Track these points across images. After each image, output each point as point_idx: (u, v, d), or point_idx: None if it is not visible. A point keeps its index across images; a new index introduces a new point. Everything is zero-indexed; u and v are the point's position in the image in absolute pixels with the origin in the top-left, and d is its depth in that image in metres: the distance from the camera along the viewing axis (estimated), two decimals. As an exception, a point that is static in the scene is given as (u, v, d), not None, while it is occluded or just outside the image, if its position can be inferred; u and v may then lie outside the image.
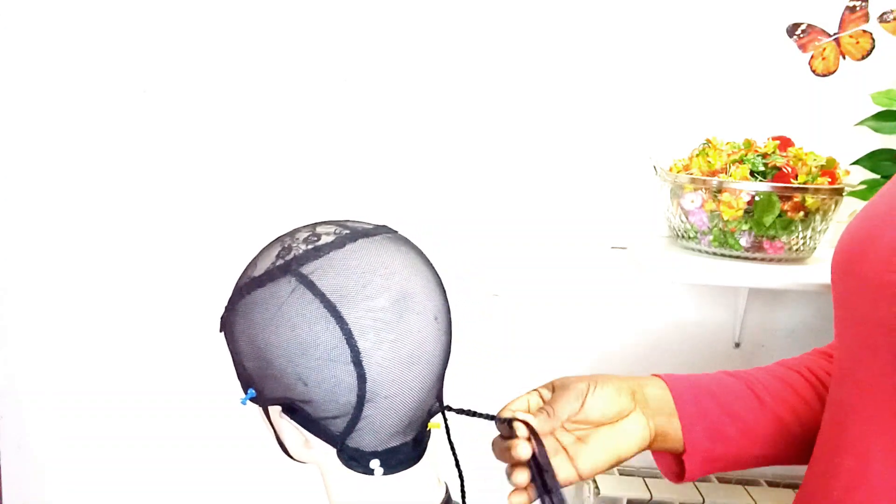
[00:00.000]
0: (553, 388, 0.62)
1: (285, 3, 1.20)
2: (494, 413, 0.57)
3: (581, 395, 0.59)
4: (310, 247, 0.48)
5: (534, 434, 0.54)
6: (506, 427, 0.56)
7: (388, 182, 1.24)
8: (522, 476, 0.54)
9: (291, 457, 0.53)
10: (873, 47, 1.16)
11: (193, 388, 1.32)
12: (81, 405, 1.35)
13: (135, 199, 1.27)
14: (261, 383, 0.49)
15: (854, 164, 1.12)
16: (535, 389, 0.62)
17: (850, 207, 1.13)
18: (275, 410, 0.50)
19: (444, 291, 0.53)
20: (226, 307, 0.52)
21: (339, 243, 0.48)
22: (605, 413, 0.59)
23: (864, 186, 1.07)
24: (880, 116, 1.12)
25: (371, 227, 0.52)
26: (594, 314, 1.28)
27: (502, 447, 0.56)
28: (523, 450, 0.53)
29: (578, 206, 1.24)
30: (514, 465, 0.55)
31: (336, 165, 1.25)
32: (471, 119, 1.22)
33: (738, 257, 1.05)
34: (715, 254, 1.07)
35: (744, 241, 1.04)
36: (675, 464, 0.65)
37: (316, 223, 0.52)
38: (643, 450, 0.62)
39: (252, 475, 1.36)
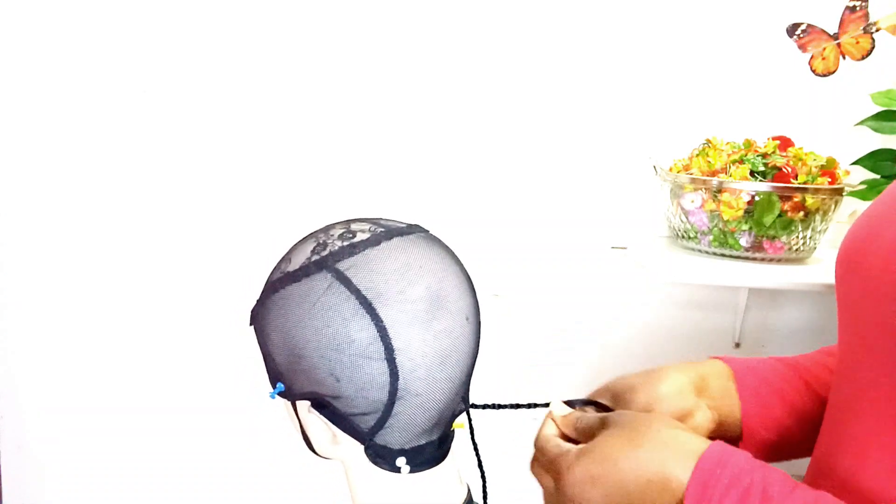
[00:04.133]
0: (611, 396, 0.60)
1: (291, 1, 1.20)
2: (518, 401, 0.57)
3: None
4: (345, 243, 0.48)
5: None
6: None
7: (388, 183, 1.24)
8: None
9: (316, 452, 0.53)
10: (873, 47, 1.16)
11: (194, 388, 1.32)
12: (81, 405, 1.35)
13: (135, 199, 1.27)
14: (291, 377, 0.49)
15: (854, 164, 1.12)
16: (591, 402, 0.60)
17: (850, 207, 1.13)
18: (303, 405, 0.50)
19: (475, 292, 0.53)
20: (258, 301, 0.52)
21: (374, 241, 0.48)
22: None
23: (864, 186, 1.07)
24: (880, 116, 1.12)
25: (405, 225, 0.52)
26: (594, 314, 1.28)
27: None
28: None
29: (579, 207, 1.24)
30: None
31: (337, 166, 1.24)
32: (472, 120, 1.22)
33: (738, 257, 1.05)
34: (715, 254, 1.07)
35: (744, 241, 1.04)
36: None
37: (350, 220, 0.52)
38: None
39: (254, 476, 1.36)
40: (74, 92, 1.24)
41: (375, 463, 0.50)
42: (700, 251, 1.08)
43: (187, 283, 1.29)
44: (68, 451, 1.38)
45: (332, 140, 1.24)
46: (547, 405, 0.57)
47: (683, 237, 1.10)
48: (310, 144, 1.24)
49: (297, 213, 1.25)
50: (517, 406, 0.57)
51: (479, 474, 0.57)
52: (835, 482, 0.52)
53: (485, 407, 0.56)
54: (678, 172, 1.08)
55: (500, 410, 0.57)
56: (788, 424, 0.62)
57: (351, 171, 1.25)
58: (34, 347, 1.34)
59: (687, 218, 1.07)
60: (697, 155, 1.08)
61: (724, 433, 0.62)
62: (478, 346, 0.52)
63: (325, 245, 0.49)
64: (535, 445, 0.54)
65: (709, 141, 1.09)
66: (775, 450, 0.63)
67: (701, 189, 1.04)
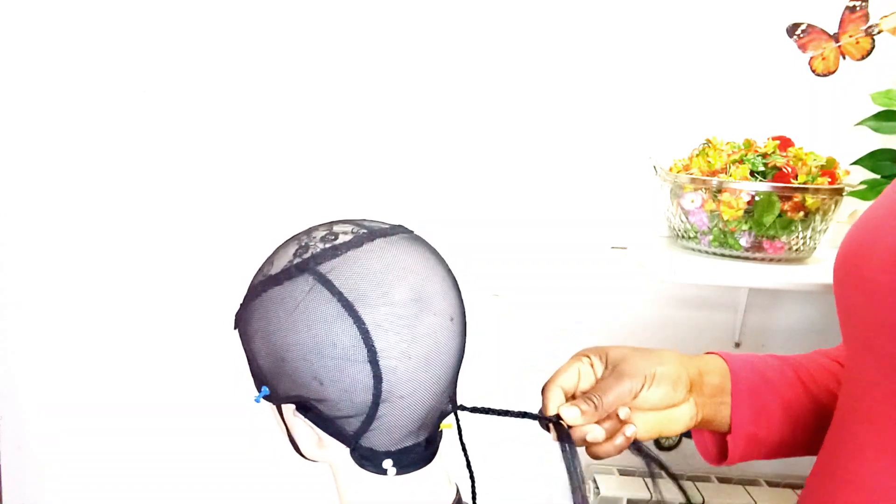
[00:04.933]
0: (606, 363, 0.61)
1: (285, 5, 1.20)
2: (509, 407, 0.57)
3: (635, 391, 0.58)
4: (327, 245, 0.48)
5: (567, 438, 0.55)
6: (544, 423, 0.57)
7: (388, 183, 1.24)
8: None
9: (303, 455, 0.52)
10: (873, 47, 1.16)
11: (194, 388, 1.32)
12: (81, 405, 1.35)
13: (135, 200, 1.27)
14: (275, 381, 0.49)
15: (854, 164, 1.12)
16: (586, 355, 0.62)
17: (850, 207, 1.13)
18: (288, 409, 0.50)
19: (460, 292, 0.53)
20: (241, 304, 0.52)
21: (356, 242, 0.48)
22: (656, 406, 0.59)
23: (864, 186, 1.07)
24: (880, 116, 1.12)
25: (388, 226, 0.51)
26: (594, 314, 1.28)
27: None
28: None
29: (578, 207, 1.24)
30: None
31: (336, 166, 1.24)
32: (471, 120, 1.22)
33: (738, 257, 1.05)
34: (715, 254, 1.07)
35: (744, 241, 1.04)
36: (714, 446, 0.66)
37: (333, 222, 0.52)
38: (686, 430, 0.62)
39: (254, 475, 1.36)
40: (74, 92, 1.24)
41: (362, 465, 0.50)
42: (700, 251, 1.08)
43: (187, 282, 1.29)
44: (68, 451, 1.38)
45: (335, 141, 1.24)
46: (537, 416, 0.57)
47: (683, 237, 1.10)
48: (312, 145, 1.24)
49: (299, 213, 1.25)
50: (506, 413, 0.57)
51: (468, 475, 0.57)
52: (838, 483, 0.52)
53: (473, 410, 0.56)
54: (678, 172, 1.08)
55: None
56: (781, 421, 0.62)
57: (351, 173, 1.25)
58: (34, 347, 1.34)
59: (687, 218, 1.07)
60: (697, 155, 1.08)
61: (710, 428, 0.63)
62: (464, 346, 0.52)
63: (306, 247, 0.49)
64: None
65: (709, 141, 1.09)
66: (765, 446, 0.63)
67: (701, 189, 1.04)
